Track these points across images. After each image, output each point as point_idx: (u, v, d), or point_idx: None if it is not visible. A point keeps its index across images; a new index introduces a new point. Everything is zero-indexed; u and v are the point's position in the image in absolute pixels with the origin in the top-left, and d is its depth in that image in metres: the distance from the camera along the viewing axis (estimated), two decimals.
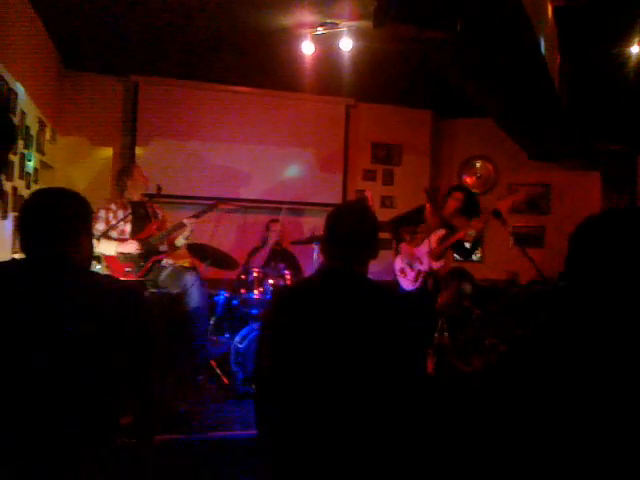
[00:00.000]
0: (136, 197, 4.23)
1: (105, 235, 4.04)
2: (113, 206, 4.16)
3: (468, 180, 7.18)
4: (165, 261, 4.22)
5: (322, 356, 1.62)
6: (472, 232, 4.21)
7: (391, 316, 1.70)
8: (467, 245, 4.46)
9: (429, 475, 1.70)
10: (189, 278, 4.04)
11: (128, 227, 4.14)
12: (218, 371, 4.21)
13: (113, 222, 4.08)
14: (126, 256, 4.03)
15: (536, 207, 6.92)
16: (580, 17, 4.43)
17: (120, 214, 4.12)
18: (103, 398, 1.54)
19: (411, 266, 4.45)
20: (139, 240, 4.07)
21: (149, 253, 4.11)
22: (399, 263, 4.57)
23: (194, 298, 4.04)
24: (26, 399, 1.44)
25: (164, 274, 4.14)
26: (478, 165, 7.17)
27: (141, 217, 4.22)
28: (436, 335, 2.44)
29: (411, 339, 1.72)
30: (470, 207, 4.47)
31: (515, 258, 5.34)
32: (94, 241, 4.02)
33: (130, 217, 4.14)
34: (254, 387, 1.89)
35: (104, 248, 4.02)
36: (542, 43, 3.96)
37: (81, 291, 1.57)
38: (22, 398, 1.44)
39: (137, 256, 4.04)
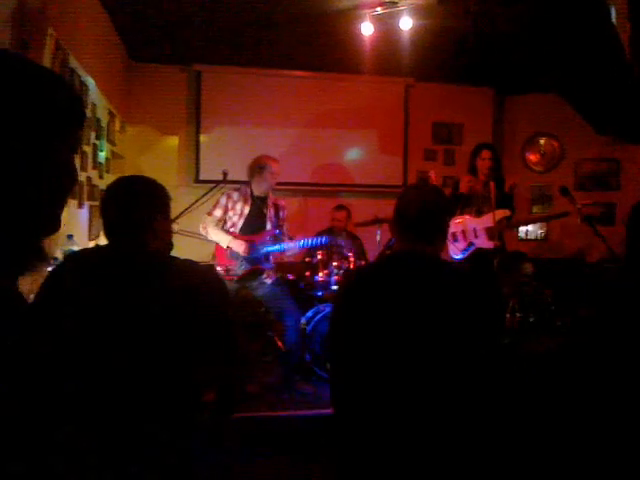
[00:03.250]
0: (258, 192, 4.05)
1: (218, 225, 3.98)
2: (235, 195, 4.02)
3: (532, 158, 6.96)
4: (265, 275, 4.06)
5: (395, 338, 1.63)
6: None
7: (464, 297, 1.69)
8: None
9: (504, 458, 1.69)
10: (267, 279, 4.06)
11: (241, 222, 4.00)
12: (284, 352, 4.29)
13: (230, 213, 3.98)
14: (233, 252, 3.94)
15: (605, 184, 6.65)
16: None
17: (239, 206, 4.00)
18: (189, 376, 1.60)
19: (465, 235, 4.33)
20: (249, 243, 3.94)
21: (254, 259, 3.99)
22: (453, 227, 4.34)
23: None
24: (114, 376, 1.49)
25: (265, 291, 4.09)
26: (542, 142, 6.93)
27: (256, 215, 4.05)
28: (508, 316, 2.42)
29: (486, 320, 1.71)
30: (499, 162, 4.42)
31: (581, 236, 5.18)
32: (211, 230, 3.93)
33: (246, 212, 4.02)
34: (329, 369, 1.92)
35: (218, 238, 3.95)
36: (613, 11, 3.80)
37: (160, 275, 1.63)
38: (110, 376, 1.49)
39: (242, 257, 3.95)
